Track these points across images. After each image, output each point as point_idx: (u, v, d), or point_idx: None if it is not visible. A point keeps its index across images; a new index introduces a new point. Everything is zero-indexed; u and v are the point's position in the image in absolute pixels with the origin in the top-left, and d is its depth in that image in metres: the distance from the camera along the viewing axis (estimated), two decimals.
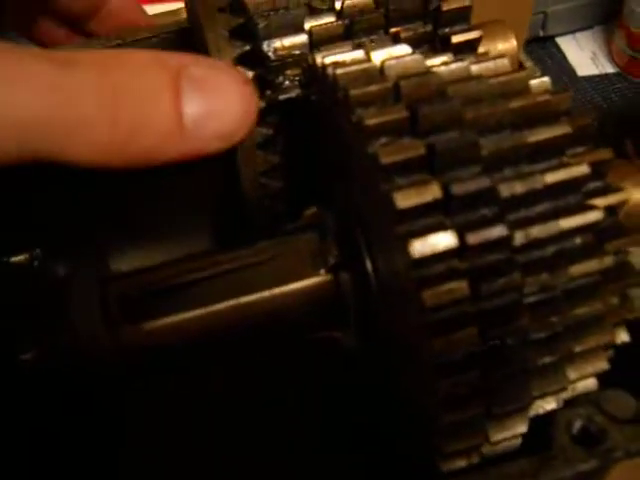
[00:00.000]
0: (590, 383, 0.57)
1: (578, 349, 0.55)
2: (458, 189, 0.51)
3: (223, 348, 0.66)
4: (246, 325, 0.65)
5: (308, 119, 0.71)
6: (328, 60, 0.61)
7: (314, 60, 0.63)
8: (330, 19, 0.72)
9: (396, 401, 0.64)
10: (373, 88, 0.56)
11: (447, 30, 0.74)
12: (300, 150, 0.74)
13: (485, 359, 0.51)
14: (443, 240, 0.50)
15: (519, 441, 0.56)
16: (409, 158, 0.52)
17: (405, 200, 0.51)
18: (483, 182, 0.52)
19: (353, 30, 0.71)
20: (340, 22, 0.71)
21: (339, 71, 0.58)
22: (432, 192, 0.51)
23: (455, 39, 0.73)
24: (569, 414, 0.59)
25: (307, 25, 0.72)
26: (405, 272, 0.51)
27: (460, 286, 0.50)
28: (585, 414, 0.59)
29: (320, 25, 0.71)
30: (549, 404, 0.56)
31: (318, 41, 0.70)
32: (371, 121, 0.53)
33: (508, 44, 0.81)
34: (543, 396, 0.55)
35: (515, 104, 0.55)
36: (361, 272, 0.62)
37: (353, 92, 0.56)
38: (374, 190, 0.54)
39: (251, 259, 0.66)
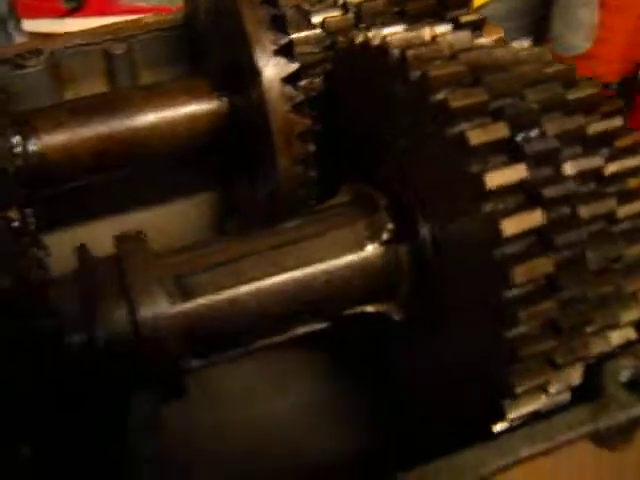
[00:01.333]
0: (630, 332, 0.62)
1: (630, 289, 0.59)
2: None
3: (279, 323, 0.66)
4: (301, 298, 0.65)
5: (351, 102, 0.71)
6: (392, 40, 0.61)
7: (368, 39, 0.63)
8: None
9: (453, 360, 0.66)
10: (450, 69, 0.57)
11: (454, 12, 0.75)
12: (337, 136, 0.74)
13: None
14: (532, 218, 0.53)
15: (569, 395, 0.61)
16: (495, 139, 0.54)
17: (494, 179, 0.53)
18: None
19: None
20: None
21: (410, 52, 0.59)
22: (518, 172, 0.54)
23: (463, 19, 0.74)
24: (616, 365, 0.63)
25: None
26: (488, 247, 0.54)
27: (546, 262, 0.53)
28: (631, 364, 0.63)
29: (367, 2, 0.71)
30: (603, 343, 0.60)
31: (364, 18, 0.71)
32: (456, 103, 0.55)
33: None
34: (599, 332, 0.59)
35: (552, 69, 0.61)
36: (419, 244, 0.64)
37: (432, 73, 0.57)
38: (452, 168, 0.56)
39: (304, 232, 0.67)
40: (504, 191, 0.53)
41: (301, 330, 0.69)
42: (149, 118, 0.79)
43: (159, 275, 0.62)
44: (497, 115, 0.56)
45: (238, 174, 0.89)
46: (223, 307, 0.63)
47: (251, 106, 0.76)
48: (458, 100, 0.55)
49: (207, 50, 0.87)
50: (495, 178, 0.53)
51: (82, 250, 0.63)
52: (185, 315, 0.62)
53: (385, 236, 0.66)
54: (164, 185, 0.94)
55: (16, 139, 0.76)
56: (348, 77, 0.70)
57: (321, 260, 0.65)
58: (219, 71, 0.82)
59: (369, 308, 0.68)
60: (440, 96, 0.56)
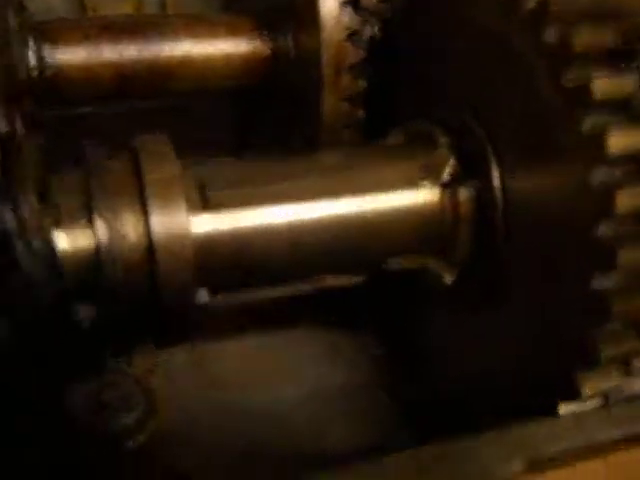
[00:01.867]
0: None
1: None
2: None
3: (309, 262, 0.55)
4: (339, 234, 0.55)
5: (418, 37, 0.63)
6: None
7: None
8: None
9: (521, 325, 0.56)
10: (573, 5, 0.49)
11: None
12: (392, 75, 0.66)
13: None
14: None
15: None
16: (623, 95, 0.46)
17: (616, 143, 0.45)
18: None
19: None
20: None
21: None
22: None
23: None
24: None
25: None
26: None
27: None
28: None
29: None
30: None
31: None
32: (579, 42, 0.46)
33: None
34: None
35: None
36: (486, 191, 0.54)
37: (552, 7, 0.48)
38: (556, 119, 0.48)
39: (351, 162, 0.57)
40: (624, 158, 0.45)
41: (331, 281, 0.59)
42: (185, 47, 0.71)
43: (181, 179, 0.52)
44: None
45: (266, 123, 0.80)
46: (249, 228, 0.53)
47: (298, 43, 0.69)
48: (581, 39, 0.46)
49: None
50: (617, 141, 0.44)
51: (91, 141, 0.54)
52: (204, 230, 0.52)
53: (445, 175, 0.56)
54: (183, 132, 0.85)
55: (33, 48, 0.68)
56: (421, 13, 0.62)
57: (367, 193, 0.55)
58: (263, 11, 0.75)
59: (415, 262, 0.58)
60: (560, 32, 0.47)
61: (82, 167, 0.52)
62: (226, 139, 0.87)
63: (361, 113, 0.66)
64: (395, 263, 0.58)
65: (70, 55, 0.69)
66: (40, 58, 0.68)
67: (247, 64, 0.73)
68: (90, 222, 0.49)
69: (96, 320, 0.52)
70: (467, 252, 0.57)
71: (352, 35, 0.64)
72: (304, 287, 0.58)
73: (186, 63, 0.72)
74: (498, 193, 0.54)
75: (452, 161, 0.57)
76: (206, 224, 0.52)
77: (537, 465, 0.45)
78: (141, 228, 0.50)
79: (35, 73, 0.67)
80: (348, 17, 0.64)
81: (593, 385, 0.49)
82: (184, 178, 0.52)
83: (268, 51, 0.73)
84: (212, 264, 0.53)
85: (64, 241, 0.49)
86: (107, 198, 0.50)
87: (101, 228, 0.49)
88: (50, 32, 0.69)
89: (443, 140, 0.58)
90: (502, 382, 0.55)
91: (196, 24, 0.72)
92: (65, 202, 0.50)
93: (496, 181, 0.54)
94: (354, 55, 0.64)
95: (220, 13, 0.81)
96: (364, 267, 0.58)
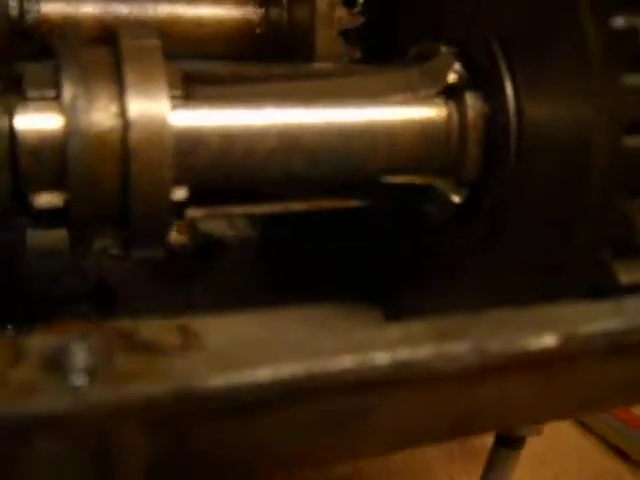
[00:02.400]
0: None
1: None
2: None
3: (301, 175, 0.50)
4: (333, 144, 0.50)
5: None
6: None
7: None
8: None
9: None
10: None
11: None
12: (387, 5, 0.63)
13: None
14: None
15: None
16: None
17: None
18: None
19: None
20: None
21: None
22: None
23: None
24: None
25: None
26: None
27: None
28: None
29: None
30: None
31: None
32: None
33: None
34: None
35: None
36: (497, 98, 0.50)
37: None
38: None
39: (343, 72, 0.53)
40: None
41: (327, 202, 0.53)
42: (175, 8, 0.69)
43: (163, 64, 0.47)
44: None
45: None
46: (234, 127, 0.48)
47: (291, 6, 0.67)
48: None
49: None
50: None
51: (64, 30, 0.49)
52: (186, 123, 0.47)
53: (449, 80, 0.52)
54: None
55: None
56: None
57: (363, 99, 0.51)
58: None
59: (419, 180, 0.53)
60: None
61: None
62: None
63: (357, 51, 0.62)
64: (398, 180, 0.52)
65: (52, 6, 0.66)
66: (21, 7, 0.65)
67: (238, 27, 0.71)
68: (57, 97, 0.44)
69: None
70: (476, 170, 0.52)
71: None
72: (296, 206, 0.52)
73: (177, 23, 0.69)
74: (512, 109, 0.49)
75: (456, 66, 0.52)
76: (188, 117, 0.47)
77: (572, 343, 0.38)
78: (115, 108, 0.45)
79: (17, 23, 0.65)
80: None
81: (630, 274, 0.43)
82: (168, 66, 0.48)
83: (260, 15, 0.71)
84: (192, 163, 0.47)
85: (26, 119, 0.44)
86: (78, 72, 0.45)
87: (70, 105, 0.44)
88: None
89: (445, 49, 0.53)
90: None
91: None
92: (31, 78, 0.45)
93: (509, 93, 0.50)
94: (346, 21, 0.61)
95: None
96: (362, 185, 0.53)
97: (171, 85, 0.46)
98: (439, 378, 0.37)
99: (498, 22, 0.52)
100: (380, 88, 0.52)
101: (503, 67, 0.50)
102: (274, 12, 0.71)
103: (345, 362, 0.35)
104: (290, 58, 0.69)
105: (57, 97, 0.44)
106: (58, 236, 0.47)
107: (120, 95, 0.45)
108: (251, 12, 0.71)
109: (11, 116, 0.44)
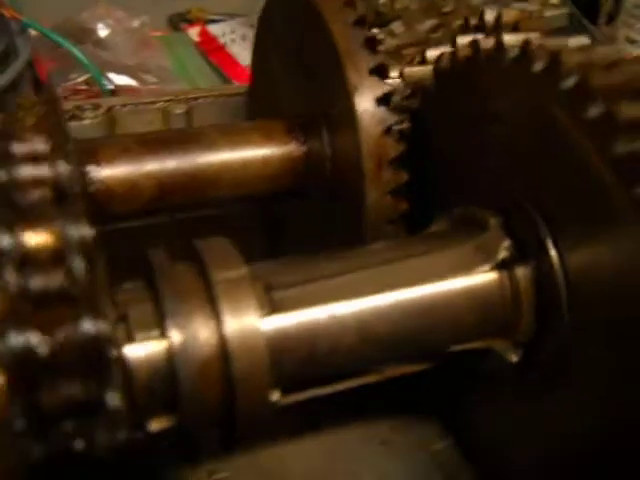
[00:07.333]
0: None
1: None
2: None
3: (379, 353, 0.55)
4: (403, 324, 0.55)
5: (458, 121, 0.65)
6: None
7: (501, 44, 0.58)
8: None
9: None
10: (611, 79, 0.51)
11: None
12: (428, 163, 0.68)
13: None
14: None
15: None
16: None
17: None
18: None
19: None
20: None
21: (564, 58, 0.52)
22: None
23: None
24: None
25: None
26: None
27: None
28: None
29: None
30: None
31: None
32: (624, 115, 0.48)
33: None
34: None
35: None
36: (543, 266, 0.55)
37: (594, 82, 0.50)
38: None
39: (407, 252, 0.58)
40: None
41: (399, 369, 0.59)
42: (222, 155, 0.73)
43: (254, 297, 0.52)
44: None
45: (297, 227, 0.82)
46: (317, 324, 0.53)
47: (334, 141, 0.71)
48: (628, 110, 0.48)
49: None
50: None
51: (154, 252, 0.54)
52: (274, 330, 0.52)
53: (501, 256, 0.57)
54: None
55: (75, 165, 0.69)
56: (454, 94, 0.64)
57: (425, 281, 0.56)
58: (294, 116, 0.78)
59: (479, 344, 0.58)
60: (603, 107, 0.49)
61: (146, 275, 0.53)
62: (257, 244, 0.89)
63: (405, 206, 0.67)
64: (460, 348, 0.58)
65: (111, 170, 0.70)
66: (83, 174, 0.69)
67: (283, 165, 0.75)
68: (163, 330, 0.50)
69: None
70: (530, 330, 0.57)
71: (388, 130, 0.66)
72: (371, 379, 0.57)
73: (225, 169, 0.73)
74: (559, 273, 0.54)
75: (505, 241, 0.58)
76: (275, 324, 0.52)
77: None
78: (215, 341, 0.50)
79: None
80: (383, 113, 0.66)
81: None
82: (256, 289, 0.53)
83: (302, 151, 0.75)
84: (283, 363, 0.53)
85: (137, 358, 0.49)
86: (182, 317, 0.50)
87: (177, 346, 0.49)
88: (91, 149, 0.71)
89: (492, 221, 0.59)
90: (580, 463, 0.55)
91: (231, 132, 0.75)
92: (134, 312, 0.50)
93: (555, 260, 0.55)
94: (394, 149, 0.65)
95: (253, 121, 0.84)
96: (429, 355, 0.58)
97: (261, 307, 0.52)
98: None
99: (537, 189, 0.57)
100: (440, 270, 0.57)
101: (547, 238, 0.55)
102: (316, 144, 0.75)
103: None
104: (335, 198, 0.73)
105: (162, 335, 0.49)
106: None
107: (219, 331, 0.50)
108: (293, 147, 0.76)
109: (122, 355, 0.49)
